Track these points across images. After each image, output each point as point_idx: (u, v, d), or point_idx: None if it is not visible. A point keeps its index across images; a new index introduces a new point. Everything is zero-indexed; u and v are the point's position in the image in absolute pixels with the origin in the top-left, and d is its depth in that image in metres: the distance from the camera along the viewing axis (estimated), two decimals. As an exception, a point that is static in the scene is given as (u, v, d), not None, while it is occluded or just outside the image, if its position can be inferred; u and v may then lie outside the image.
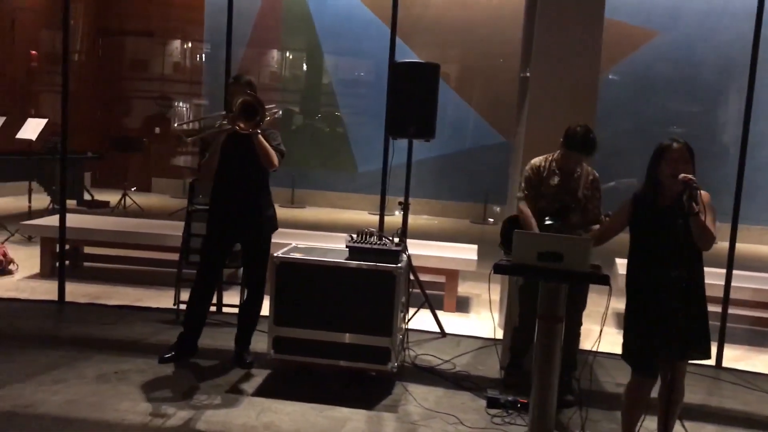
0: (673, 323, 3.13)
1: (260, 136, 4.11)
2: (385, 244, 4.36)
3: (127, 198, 10.54)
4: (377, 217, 5.55)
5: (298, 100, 13.06)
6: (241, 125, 4.01)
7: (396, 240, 4.45)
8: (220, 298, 5.43)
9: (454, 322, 5.70)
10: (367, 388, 4.18)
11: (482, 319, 5.84)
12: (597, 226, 3.89)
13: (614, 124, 10.32)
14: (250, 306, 4.50)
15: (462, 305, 6.28)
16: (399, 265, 4.18)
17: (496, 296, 5.76)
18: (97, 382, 4.06)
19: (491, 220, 11.38)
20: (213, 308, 5.10)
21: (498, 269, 3.35)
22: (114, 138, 11.77)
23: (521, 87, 5.35)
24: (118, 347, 4.64)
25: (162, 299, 4.77)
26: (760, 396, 4.55)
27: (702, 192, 3.25)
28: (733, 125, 10.65)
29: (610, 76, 11.15)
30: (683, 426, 3.93)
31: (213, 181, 4.38)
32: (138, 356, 4.47)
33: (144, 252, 6.61)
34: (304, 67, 13.05)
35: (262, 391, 4.10)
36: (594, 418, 3.98)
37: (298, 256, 4.27)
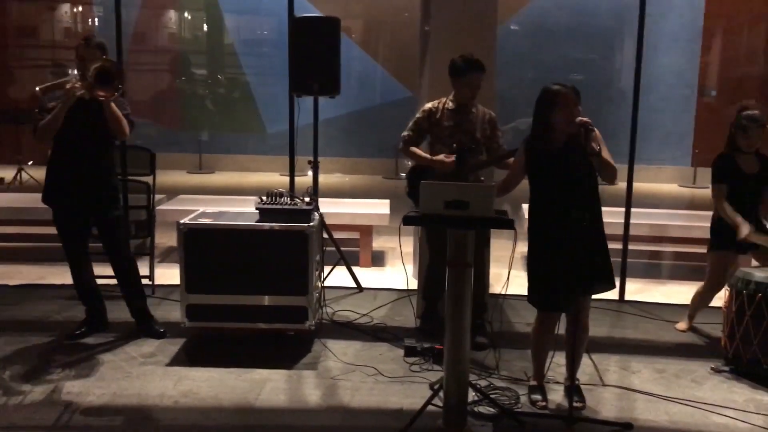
0: (575, 262, 3.27)
1: (112, 103, 3.93)
2: (295, 204, 4.33)
3: (23, 173, 10.00)
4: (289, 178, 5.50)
5: (199, 62, 12.64)
6: (101, 93, 3.83)
7: (306, 199, 4.42)
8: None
9: (370, 277, 5.76)
10: (286, 349, 4.19)
11: (398, 272, 5.92)
12: (512, 160, 3.97)
13: (516, 74, 10.51)
14: (129, 281, 4.34)
15: (377, 259, 6.35)
16: (311, 224, 4.17)
17: (411, 248, 5.85)
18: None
19: (402, 174, 11.47)
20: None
21: (407, 221, 3.38)
22: (2, 110, 11.08)
23: (423, 40, 5.35)
24: (22, 328, 4.45)
25: (67, 276, 4.59)
26: (658, 324, 4.85)
27: (595, 130, 3.38)
28: (629, 70, 10.99)
29: (511, 27, 11.31)
30: (590, 358, 4.16)
31: (52, 147, 4.10)
32: (45, 335, 4.31)
33: (44, 228, 6.31)
34: (205, 27, 12.61)
35: (178, 360, 4.04)
36: (507, 358, 4.14)
37: (205, 221, 4.18)
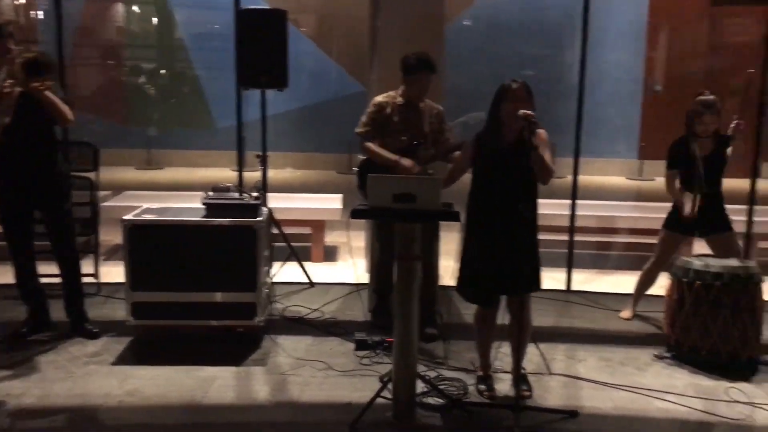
0: (503, 262, 3.32)
1: (48, 92, 3.83)
2: (243, 199, 4.28)
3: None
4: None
5: (148, 56, 12.39)
6: (36, 85, 3.73)
7: (254, 194, 4.37)
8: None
9: (322, 272, 5.74)
10: (234, 346, 4.14)
11: (350, 266, 5.92)
12: (457, 153, 3.98)
13: (470, 69, 10.58)
14: (69, 279, 4.24)
15: (330, 254, 6.33)
16: (259, 219, 4.13)
17: (363, 242, 5.84)
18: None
19: (356, 169, 11.45)
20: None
21: (355, 214, 3.38)
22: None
23: (372, 35, 5.35)
24: (-40, 330, 4.31)
25: (5, 275, 4.44)
26: (605, 313, 4.95)
27: (541, 131, 3.42)
28: (578, 66, 11.24)
29: (464, 22, 11.38)
30: (537, 347, 4.22)
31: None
32: (-16, 337, 4.18)
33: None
34: (154, 20, 12.36)
35: (124, 359, 3.96)
36: (456, 349, 4.18)
37: (150, 217, 4.11)
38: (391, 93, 4.38)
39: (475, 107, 4.36)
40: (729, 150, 4.42)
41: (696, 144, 4.38)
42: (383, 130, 4.34)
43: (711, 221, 4.45)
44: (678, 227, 4.53)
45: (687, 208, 4.39)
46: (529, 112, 3.30)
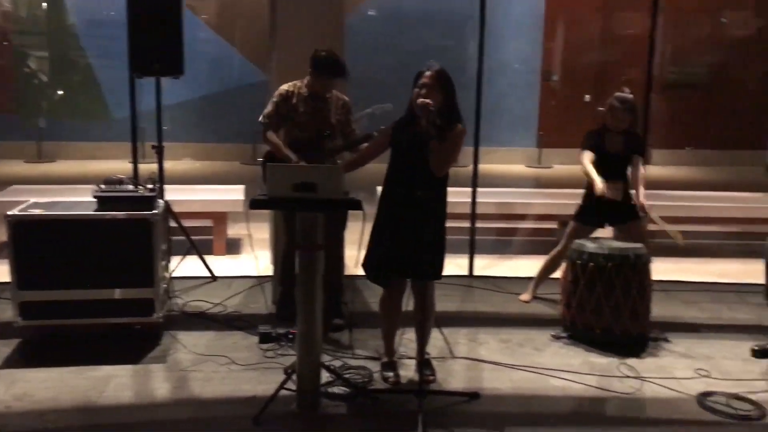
0: (408, 246, 3.34)
1: None
2: (137, 191, 4.12)
3: None
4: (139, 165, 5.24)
5: (38, 43, 11.70)
6: None
7: (149, 186, 4.22)
8: None
9: (225, 265, 5.62)
10: (132, 343, 3.99)
11: (254, 258, 5.82)
12: (366, 145, 3.96)
13: (376, 59, 10.59)
14: None
15: (233, 247, 6.20)
16: (154, 211, 3.98)
17: (267, 234, 5.76)
18: None
19: (261, 160, 11.27)
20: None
21: (254, 204, 3.32)
22: None
23: (272, 23, 5.25)
24: None
25: None
26: (506, 297, 5.08)
27: (459, 126, 3.43)
28: (483, 56, 11.48)
29: (369, 12, 11.39)
30: (441, 332, 4.29)
31: None
32: None
33: None
34: (44, 6, 11.68)
35: (11, 362, 3.75)
36: (362, 337, 4.18)
37: (37, 212, 3.89)
38: (297, 82, 4.30)
39: (380, 98, 4.34)
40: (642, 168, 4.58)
41: (609, 136, 4.56)
42: (289, 120, 4.28)
43: (619, 211, 4.63)
44: (589, 219, 4.68)
45: (599, 186, 4.39)
46: (427, 101, 3.30)
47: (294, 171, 3.31)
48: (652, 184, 8.56)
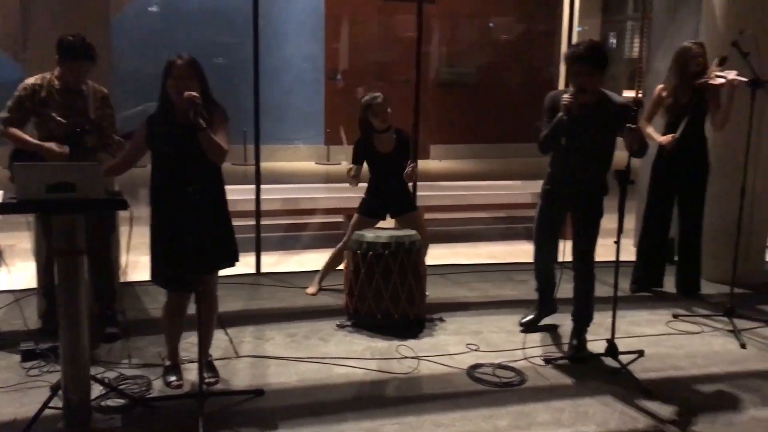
0: (196, 239, 3.24)
1: None
2: None
3: None
4: None
5: None
6: None
7: None
8: None
9: (-19, 280, 5.05)
10: None
11: (19, 270, 5.29)
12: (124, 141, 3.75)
13: (155, 55, 10.09)
14: None
15: (-9, 260, 5.59)
16: None
17: (29, 243, 5.25)
18: None
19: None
20: None
21: (2, 209, 3.01)
22: None
23: (24, 12, 4.80)
24: None
25: None
26: (293, 292, 5.11)
27: (218, 113, 3.38)
28: (267, 53, 11.38)
29: (149, 8, 10.86)
30: (226, 333, 4.20)
31: None
32: None
33: None
34: None
35: None
36: (141, 345, 3.99)
37: None
38: (47, 75, 3.97)
39: (156, 95, 4.15)
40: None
41: (378, 138, 4.74)
42: (39, 115, 3.93)
43: (398, 203, 4.86)
44: (371, 212, 4.85)
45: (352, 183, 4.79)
46: (193, 93, 3.22)
47: (47, 170, 3.03)
48: (431, 177, 9.10)
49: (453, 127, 12.10)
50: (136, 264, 4.70)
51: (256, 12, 5.35)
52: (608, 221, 3.97)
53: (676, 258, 5.27)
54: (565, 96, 3.79)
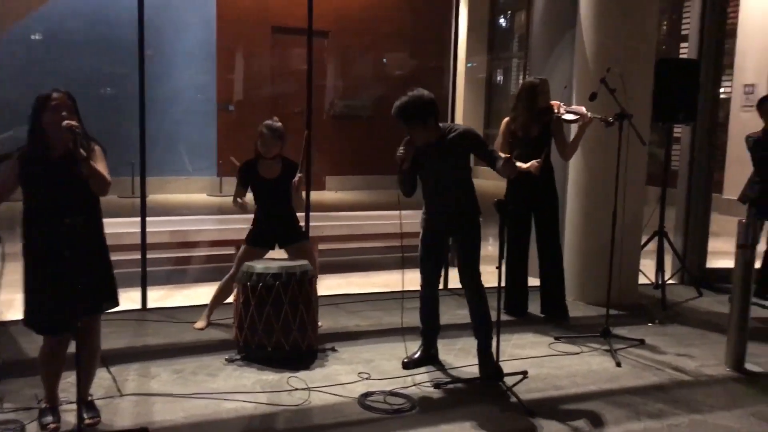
0: (77, 276, 3.11)
1: None
2: None
3: None
4: None
5: None
6: None
7: None
8: None
9: None
10: None
11: None
12: None
13: (36, 83, 9.67)
14: None
15: None
16: None
17: None
18: None
19: None
20: None
21: None
22: None
23: None
24: None
25: None
26: (181, 326, 4.97)
27: (97, 147, 3.30)
28: (156, 82, 11.12)
29: (33, 36, 10.42)
30: (109, 371, 4.04)
31: None
32: None
33: None
34: None
35: None
36: (14, 389, 3.75)
37: None
38: None
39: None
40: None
41: (263, 164, 4.74)
42: None
43: (287, 233, 4.86)
44: (258, 242, 4.82)
45: (242, 208, 4.76)
46: (73, 123, 3.15)
47: None
48: (325, 207, 9.14)
49: (347, 158, 12.24)
50: (11, 302, 4.46)
51: (141, 40, 5.28)
52: (490, 248, 4.13)
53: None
54: (399, 149, 4.04)
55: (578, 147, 5.23)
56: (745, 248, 4.42)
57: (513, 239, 5.33)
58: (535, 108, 5.13)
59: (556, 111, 5.10)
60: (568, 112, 5.05)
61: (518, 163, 5.04)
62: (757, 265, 5.20)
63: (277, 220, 4.83)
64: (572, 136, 5.31)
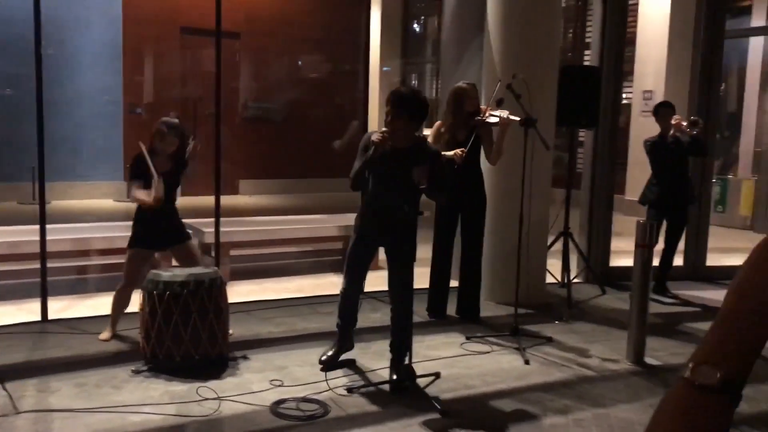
0: None
1: None
2: None
3: None
4: None
5: None
6: None
7: None
8: None
9: None
10: None
11: None
12: None
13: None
14: None
15: None
16: None
17: None
18: None
19: None
20: None
21: None
22: None
23: None
24: None
25: None
26: (84, 338, 4.76)
27: None
28: (58, 83, 10.62)
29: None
30: (4, 388, 3.82)
31: None
32: None
33: None
34: None
35: None
36: None
37: None
38: None
39: None
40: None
41: (158, 159, 4.59)
42: None
43: (170, 233, 4.71)
44: (147, 243, 4.67)
45: (148, 197, 4.48)
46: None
47: None
48: (238, 212, 8.99)
49: (261, 162, 12.08)
50: None
51: (38, 38, 5.04)
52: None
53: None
54: (377, 134, 3.98)
55: (503, 150, 5.25)
56: (644, 247, 4.63)
57: (438, 241, 5.38)
58: (463, 112, 5.20)
59: (481, 115, 5.14)
60: (492, 115, 5.10)
61: (443, 152, 5.09)
62: (656, 263, 5.43)
63: (164, 219, 4.66)
64: None
